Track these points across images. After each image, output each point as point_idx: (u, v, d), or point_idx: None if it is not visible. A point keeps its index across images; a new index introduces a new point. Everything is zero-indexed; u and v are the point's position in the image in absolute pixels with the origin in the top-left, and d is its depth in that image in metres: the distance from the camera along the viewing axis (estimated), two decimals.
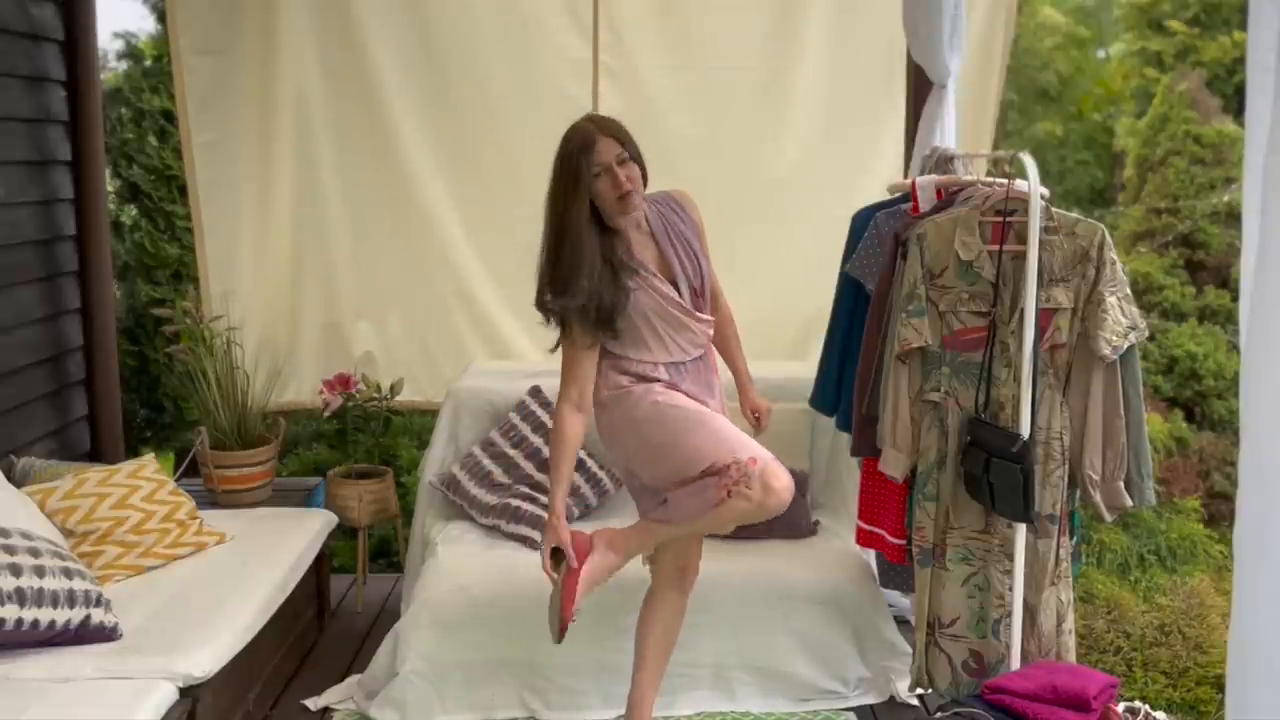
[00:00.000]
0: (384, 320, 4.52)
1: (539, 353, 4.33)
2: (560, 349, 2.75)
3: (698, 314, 2.78)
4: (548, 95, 4.26)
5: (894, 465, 2.98)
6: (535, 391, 3.91)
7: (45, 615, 2.66)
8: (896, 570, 3.33)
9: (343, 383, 4.18)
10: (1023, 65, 9.09)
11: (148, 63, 6.39)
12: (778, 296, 4.38)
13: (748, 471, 2.59)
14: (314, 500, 4.21)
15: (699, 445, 2.66)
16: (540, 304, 2.69)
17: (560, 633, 2.68)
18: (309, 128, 4.36)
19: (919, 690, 3.16)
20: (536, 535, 3.56)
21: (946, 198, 3.09)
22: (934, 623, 2.99)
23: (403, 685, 3.20)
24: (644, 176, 2.71)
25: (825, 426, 3.75)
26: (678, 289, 2.75)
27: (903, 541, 3.10)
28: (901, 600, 3.69)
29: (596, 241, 2.65)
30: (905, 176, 3.82)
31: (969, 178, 3.16)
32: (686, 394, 2.75)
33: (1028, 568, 2.90)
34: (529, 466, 3.74)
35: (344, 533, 4.35)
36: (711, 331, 2.86)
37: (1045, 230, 2.83)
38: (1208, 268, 6.21)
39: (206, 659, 2.72)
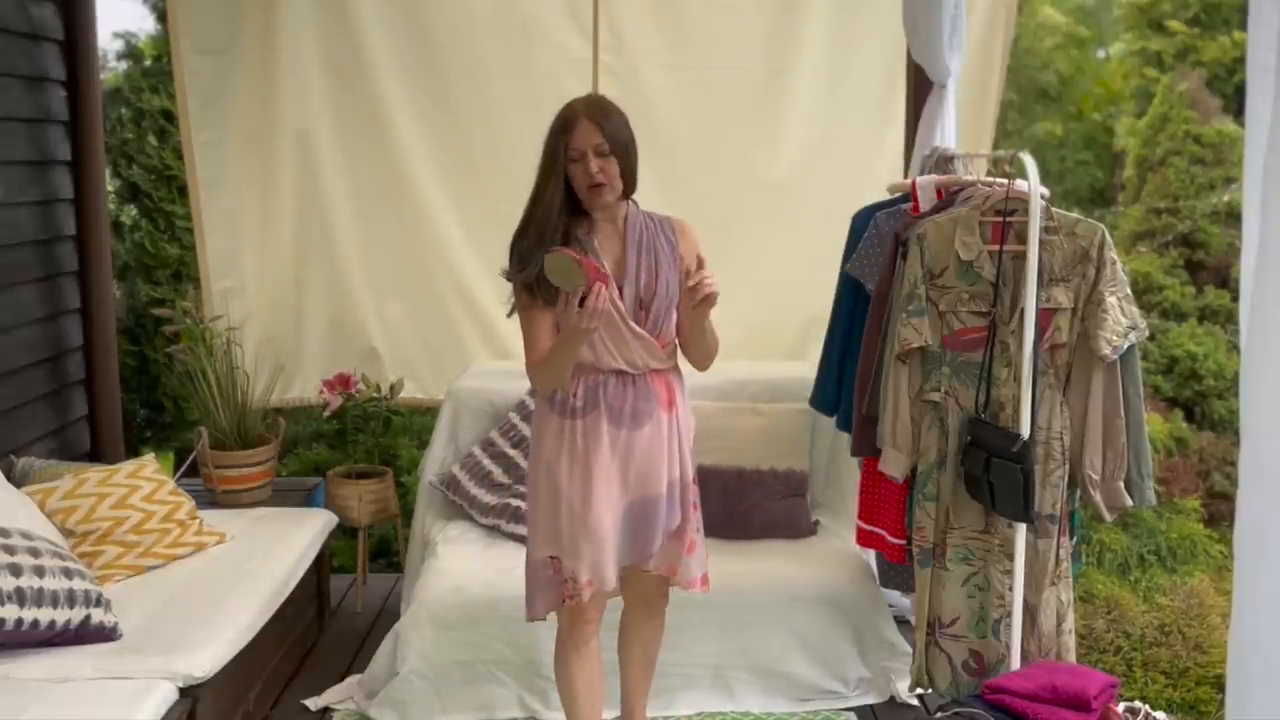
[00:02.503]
0: (387, 317, 4.52)
1: None
2: (517, 315, 2.65)
3: (634, 325, 2.58)
4: (547, 95, 4.22)
5: (894, 465, 2.98)
6: (535, 391, 3.90)
7: (45, 615, 2.66)
8: (896, 570, 3.33)
9: (342, 383, 4.18)
10: (1023, 65, 9.09)
11: (148, 62, 6.40)
12: (778, 297, 4.38)
13: (579, 591, 2.61)
14: (314, 500, 4.21)
15: (549, 533, 2.65)
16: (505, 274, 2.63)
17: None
18: (310, 128, 4.36)
19: (919, 690, 3.16)
20: None
21: (946, 198, 3.09)
22: (934, 623, 2.99)
23: (403, 685, 3.20)
24: (629, 174, 2.58)
25: (825, 426, 3.75)
26: (622, 293, 2.59)
27: (903, 541, 3.10)
28: (901, 600, 3.69)
29: (563, 223, 2.56)
30: (905, 176, 3.82)
31: (969, 178, 3.16)
32: (608, 408, 2.60)
33: (1028, 568, 2.90)
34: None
35: (344, 533, 4.35)
36: (653, 361, 2.64)
37: (1045, 230, 2.83)
38: (1208, 268, 6.21)
39: (206, 659, 2.72)
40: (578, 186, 2.54)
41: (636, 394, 2.62)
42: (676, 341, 2.71)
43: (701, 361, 2.72)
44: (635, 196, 2.66)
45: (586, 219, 2.61)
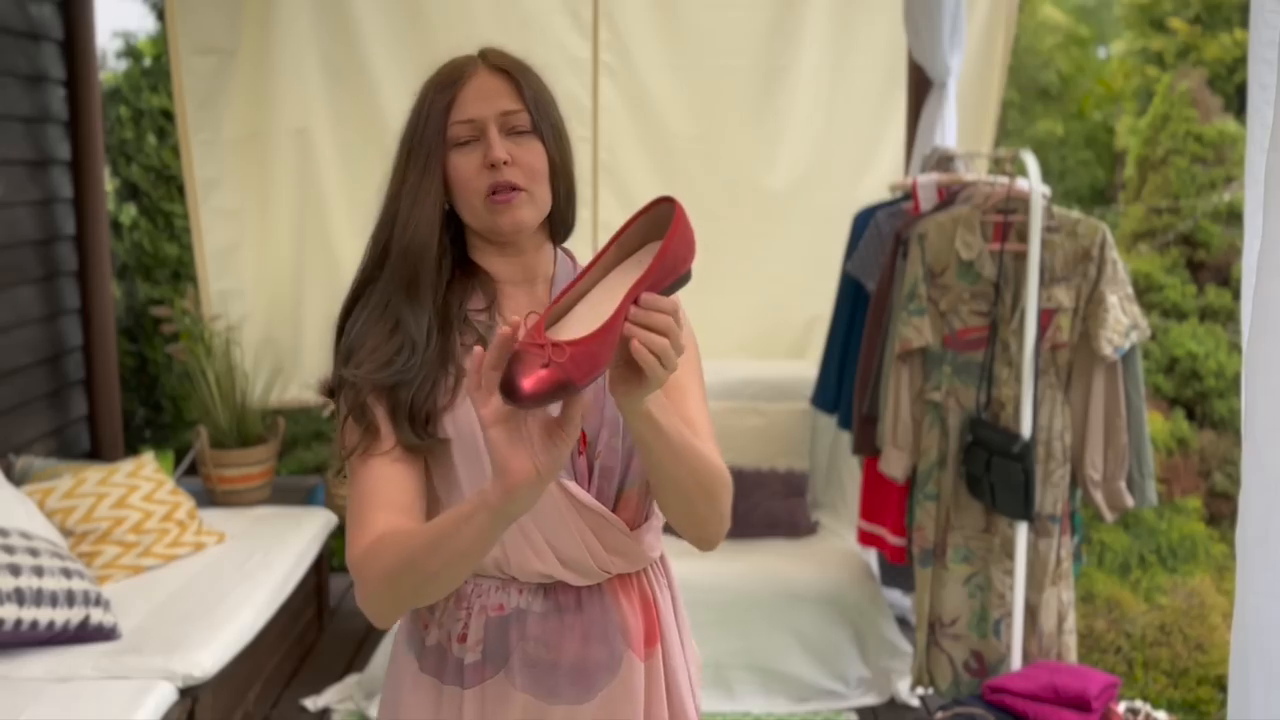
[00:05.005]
0: None
1: None
2: (346, 471, 1.32)
3: (569, 484, 1.33)
4: None
5: (895, 465, 2.97)
6: None
7: (44, 615, 2.66)
8: (897, 570, 3.33)
9: None
10: (1023, 64, 9.08)
11: (147, 62, 6.38)
12: (778, 296, 4.38)
13: None
14: (314, 499, 4.20)
15: None
16: (332, 378, 1.36)
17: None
18: (308, 127, 4.35)
19: (920, 690, 3.16)
20: None
21: (948, 197, 3.09)
22: (935, 623, 2.99)
23: None
24: (562, 184, 1.37)
25: (826, 426, 3.75)
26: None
27: (903, 541, 3.09)
28: (902, 600, 3.68)
29: (444, 273, 1.37)
30: (906, 175, 3.81)
31: (970, 177, 3.16)
32: (526, 663, 1.35)
33: (1028, 567, 2.89)
34: None
35: (344, 532, 4.34)
36: (613, 556, 1.36)
37: (1046, 229, 2.82)
38: (1208, 267, 6.20)
39: (206, 659, 2.71)
40: (465, 194, 1.34)
41: (585, 629, 1.37)
42: (655, 508, 1.43)
43: (693, 527, 1.34)
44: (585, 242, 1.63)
45: (477, 281, 1.38)
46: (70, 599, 2.71)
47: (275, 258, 4.45)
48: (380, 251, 1.38)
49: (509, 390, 1.04)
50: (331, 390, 1.36)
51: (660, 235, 1.18)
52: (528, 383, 1.04)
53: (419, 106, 1.39)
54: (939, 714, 2.63)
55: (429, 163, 1.34)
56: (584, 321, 1.12)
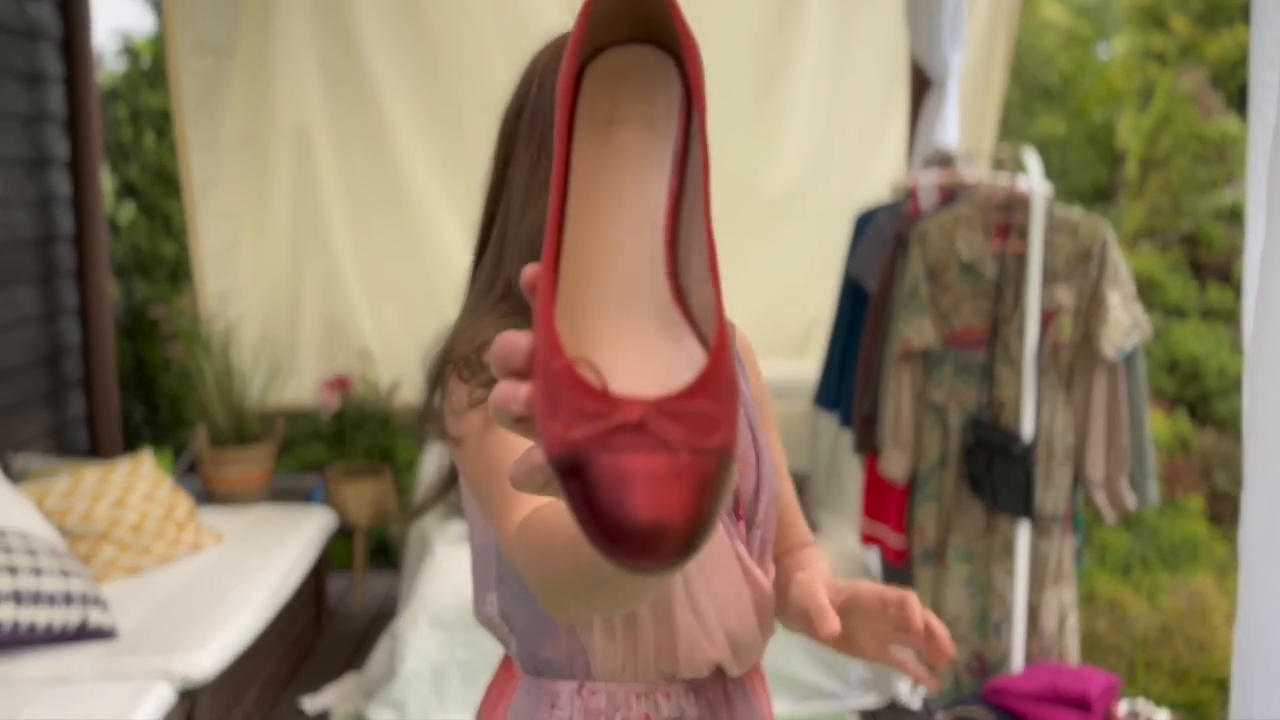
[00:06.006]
0: (384, 318, 4.52)
1: None
2: (464, 461, 1.07)
3: (744, 550, 1.13)
4: None
5: (895, 465, 2.97)
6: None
7: (42, 616, 2.65)
8: (898, 570, 3.32)
9: (341, 384, 4.17)
10: (1024, 63, 9.08)
11: (145, 61, 6.37)
12: (779, 296, 4.37)
13: None
14: (313, 499, 4.20)
15: None
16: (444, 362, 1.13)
17: None
18: (306, 127, 4.35)
19: (920, 690, 3.15)
20: None
21: (949, 196, 3.08)
22: None
23: (401, 685, 3.19)
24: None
25: (827, 426, 3.74)
26: None
27: (905, 541, 3.09)
28: None
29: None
30: (907, 175, 3.80)
31: (971, 175, 3.15)
32: None
33: (1030, 568, 2.88)
34: None
35: (342, 532, 4.34)
36: (765, 644, 1.17)
37: (1048, 229, 2.81)
38: (1210, 266, 6.19)
39: (205, 659, 2.70)
40: None
41: (747, 709, 1.18)
42: None
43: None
44: None
45: None
46: (68, 599, 2.70)
47: (273, 257, 4.45)
48: (482, 245, 1.20)
49: (642, 542, 0.51)
50: (458, 365, 1.08)
51: (627, 36, 0.67)
52: (671, 506, 0.51)
53: (527, 77, 1.16)
54: (940, 714, 2.62)
55: (544, 143, 1.12)
56: (592, 259, 0.63)
